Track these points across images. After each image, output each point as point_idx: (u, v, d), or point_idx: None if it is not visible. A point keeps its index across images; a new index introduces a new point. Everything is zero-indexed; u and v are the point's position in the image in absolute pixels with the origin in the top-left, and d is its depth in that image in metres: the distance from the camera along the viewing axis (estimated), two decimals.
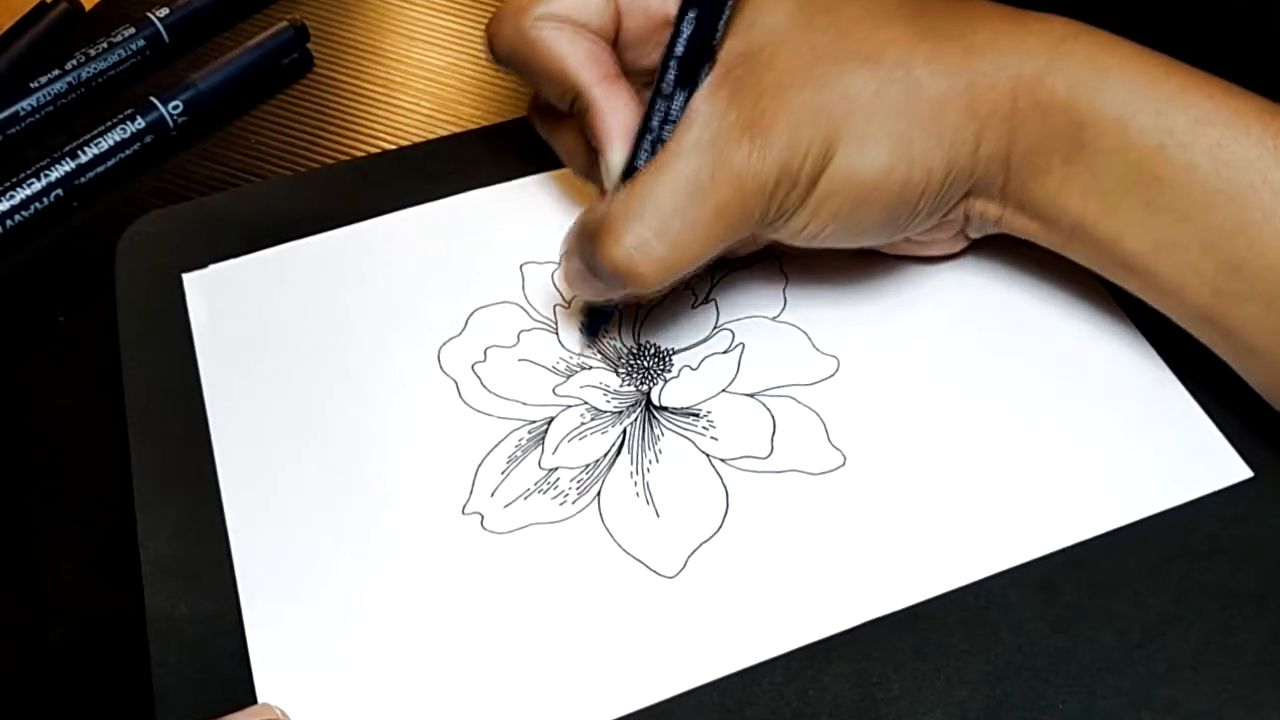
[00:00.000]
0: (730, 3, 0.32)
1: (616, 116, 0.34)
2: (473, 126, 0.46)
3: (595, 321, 0.38)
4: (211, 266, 0.40)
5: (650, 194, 0.32)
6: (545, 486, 0.35)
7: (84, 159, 0.44)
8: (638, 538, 0.34)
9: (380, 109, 0.48)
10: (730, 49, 0.33)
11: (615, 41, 0.35)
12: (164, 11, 0.50)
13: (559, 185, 0.42)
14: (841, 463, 0.35)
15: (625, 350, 0.38)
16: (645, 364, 0.37)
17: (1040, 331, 0.37)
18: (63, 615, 0.34)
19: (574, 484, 0.35)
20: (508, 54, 0.36)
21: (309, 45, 0.50)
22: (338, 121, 0.48)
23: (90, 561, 0.35)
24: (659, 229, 0.32)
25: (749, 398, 0.36)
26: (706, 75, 0.32)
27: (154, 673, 0.31)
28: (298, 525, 0.34)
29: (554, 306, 0.39)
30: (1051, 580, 0.32)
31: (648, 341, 0.38)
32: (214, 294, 0.40)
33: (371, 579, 0.33)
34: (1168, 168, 0.31)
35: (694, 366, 0.37)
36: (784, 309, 0.38)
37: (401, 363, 0.38)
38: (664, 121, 0.33)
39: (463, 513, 0.34)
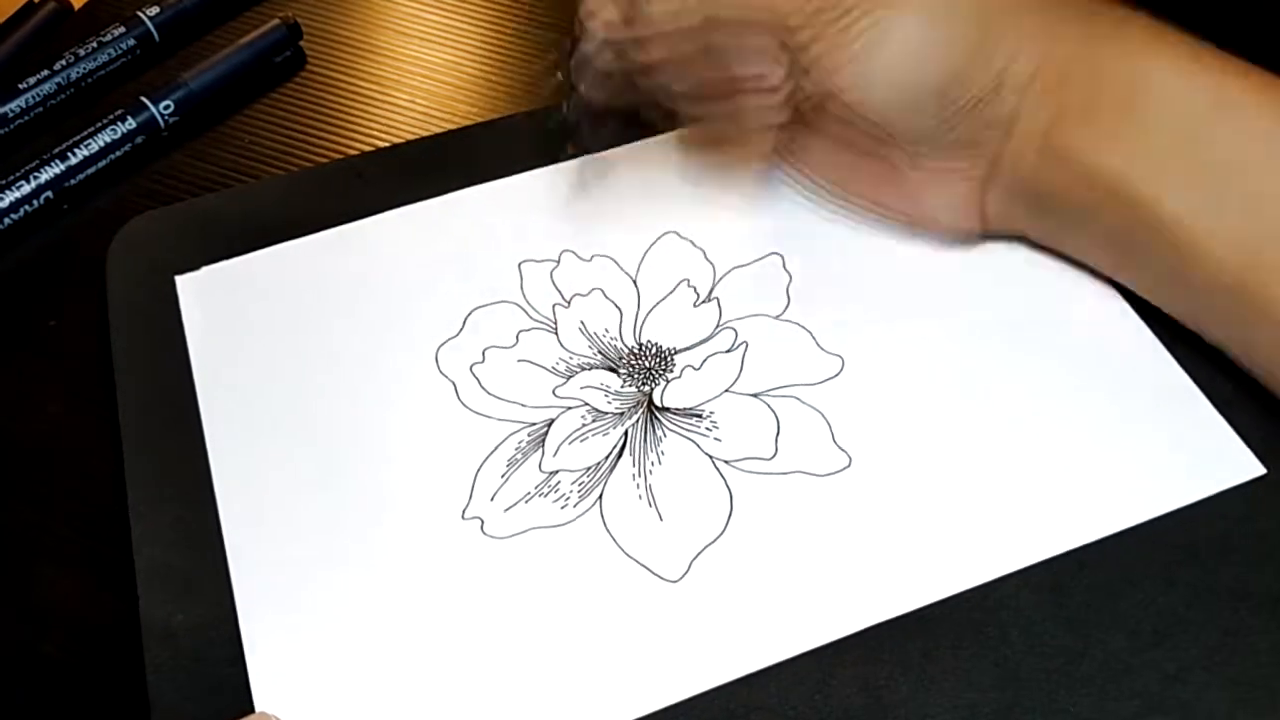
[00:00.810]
0: None
1: None
2: (468, 123, 0.46)
3: (576, 115, 0.38)
4: (205, 268, 0.40)
5: None
6: (546, 490, 0.35)
7: (74, 161, 0.44)
8: (641, 541, 0.34)
9: (375, 106, 0.48)
10: None
11: None
12: (154, 10, 0.50)
13: (557, 181, 0.42)
14: (847, 464, 0.35)
15: (626, 350, 0.38)
16: (646, 364, 0.37)
17: (1049, 329, 0.37)
18: (57, 625, 0.34)
19: (575, 487, 0.35)
20: None
21: (302, 43, 0.50)
22: (332, 120, 0.47)
23: (84, 570, 0.35)
24: None
25: (752, 398, 0.36)
26: None
27: (149, 682, 0.31)
28: (294, 531, 0.34)
29: (553, 306, 0.39)
30: (1061, 582, 0.32)
31: (649, 341, 0.38)
32: (208, 296, 0.40)
33: (370, 585, 0.33)
34: (1221, 128, 0.32)
35: (696, 366, 0.37)
36: (788, 307, 0.38)
37: (398, 364, 0.38)
38: None
39: (462, 517, 0.34)
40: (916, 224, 0.38)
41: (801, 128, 0.37)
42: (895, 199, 0.38)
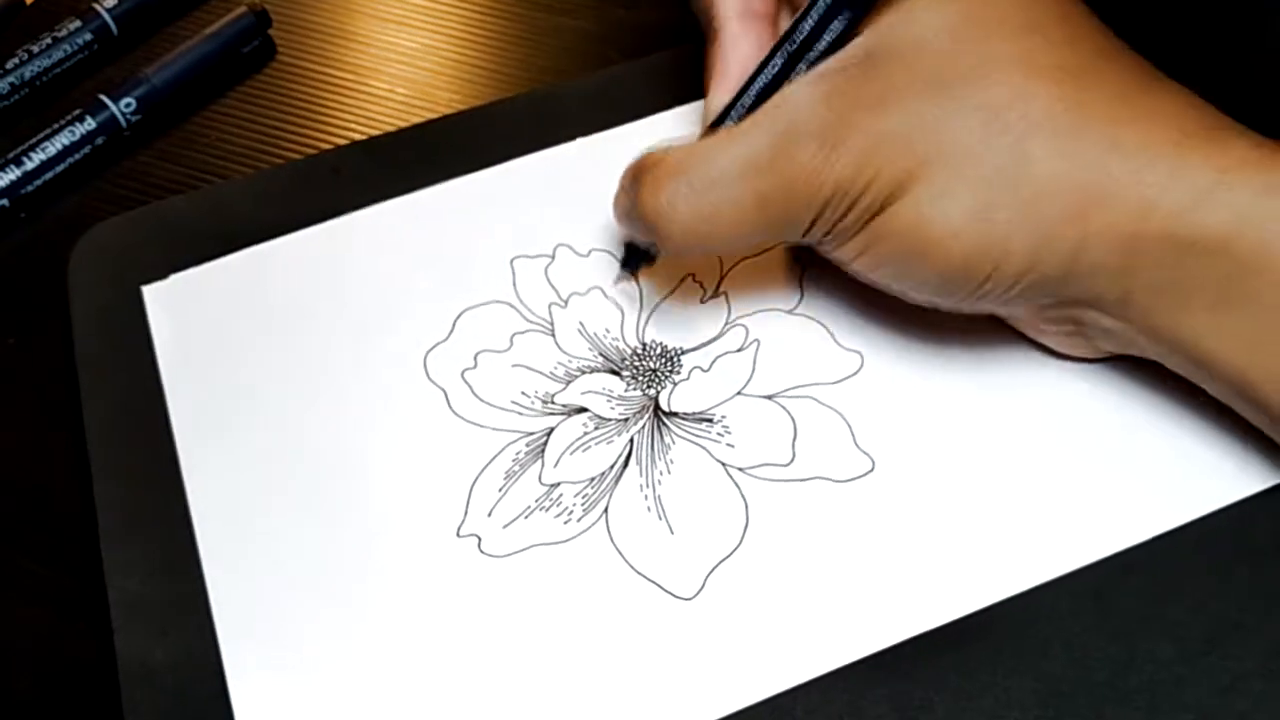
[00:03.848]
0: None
1: (737, 57, 0.35)
2: (451, 111, 0.46)
3: (632, 258, 0.38)
4: (173, 276, 0.40)
5: (706, 156, 0.33)
6: (547, 503, 0.35)
7: (30, 166, 0.44)
8: (651, 557, 0.33)
9: (351, 97, 0.48)
10: (859, 43, 0.32)
11: None
12: (111, 1, 0.50)
13: (549, 168, 0.42)
14: (870, 468, 0.35)
15: (629, 351, 0.38)
16: (651, 366, 0.37)
17: None
18: (28, 663, 0.34)
19: (579, 500, 0.35)
20: None
21: (271, 31, 0.50)
22: (305, 112, 0.47)
23: (55, 604, 0.35)
24: (698, 193, 0.33)
25: (766, 400, 0.36)
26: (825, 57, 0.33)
27: None
28: (278, 556, 0.34)
29: (549, 305, 0.39)
30: (1104, 588, 0.32)
31: (653, 341, 0.38)
32: (177, 307, 0.40)
33: (361, 611, 0.33)
34: None
35: (705, 368, 0.37)
36: (801, 301, 0.38)
37: (384, 372, 0.38)
38: (764, 88, 0.34)
39: (458, 535, 0.34)
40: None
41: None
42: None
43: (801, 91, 0.32)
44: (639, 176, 0.34)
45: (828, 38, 0.33)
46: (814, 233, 0.33)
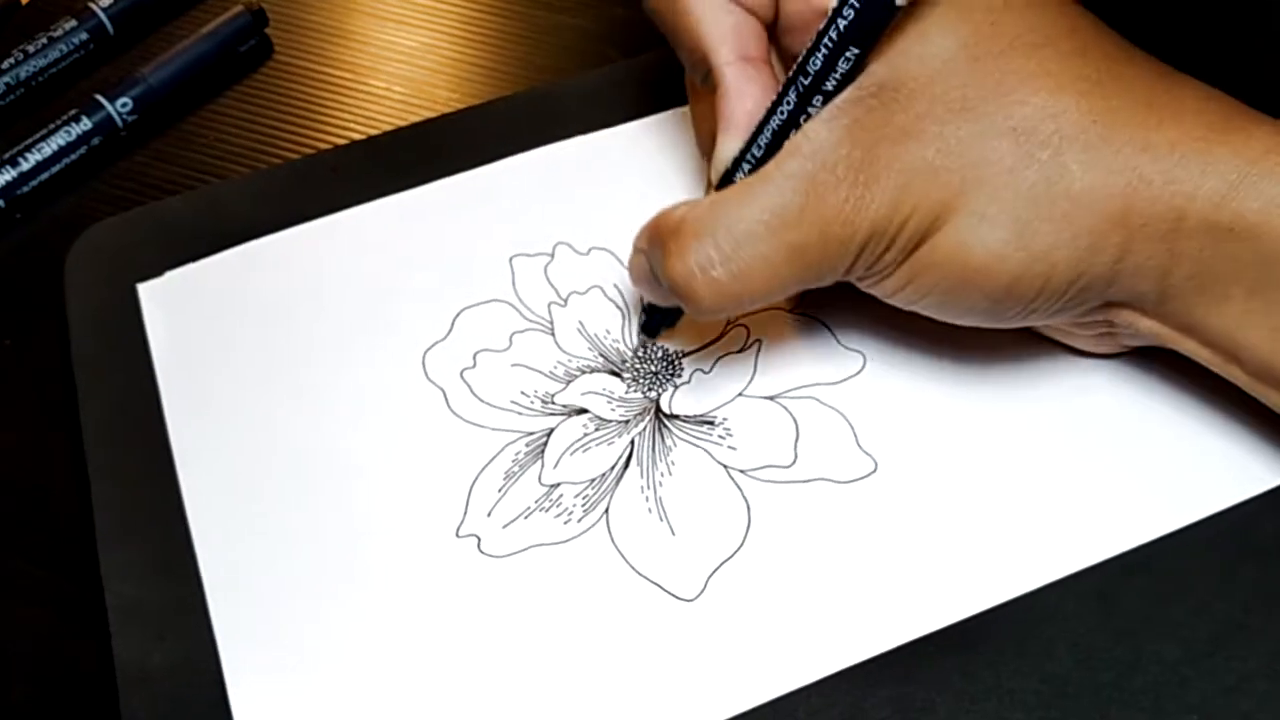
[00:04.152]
0: (890, 18, 0.30)
1: (744, 104, 0.34)
2: (450, 110, 0.46)
3: (655, 320, 0.37)
4: (168, 274, 0.40)
5: (730, 212, 0.32)
6: (547, 504, 0.35)
7: (26, 166, 0.44)
8: (652, 558, 0.33)
9: (349, 96, 0.48)
10: (872, 73, 0.31)
11: (774, 23, 0.35)
12: (107, 1, 0.50)
13: (548, 165, 0.42)
14: (873, 469, 0.35)
15: (630, 353, 0.38)
16: (652, 368, 0.37)
17: None
18: (25, 669, 0.34)
19: (579, 500, 0.35)
20: (653, 7, 0.36)
21: (268, 30, 0.50)
22: (303, 112, 0.47)
23: (52, 608, 0.35)
24: (728, 254, 0.31)
25: (768, 401, 0.36)
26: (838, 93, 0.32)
27: None
28: (276, 558, 0.34)
29: (549, 305, 0.39)
30: (1109, 589, 0.32)
31: (654, 343, 0.38)
32: (173, 304, 0.39)
33: (360, 613, 0.33)
34: None
35: (706, 369, 0.37)
36: (802, 300, 0.38)
37: (382, 371, 0.38)
38: (778, 129, 0.32)
39: (457, 535, 0.34)
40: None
41: None
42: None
43: (821, 130, 0.31)
44: (658, 240, 0.33)
45: (840, 69, 0.31)
46: (853, 273, 0.32)
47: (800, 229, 0.31)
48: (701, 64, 0.35)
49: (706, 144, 0.36)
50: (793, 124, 0.32)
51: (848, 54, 0.31)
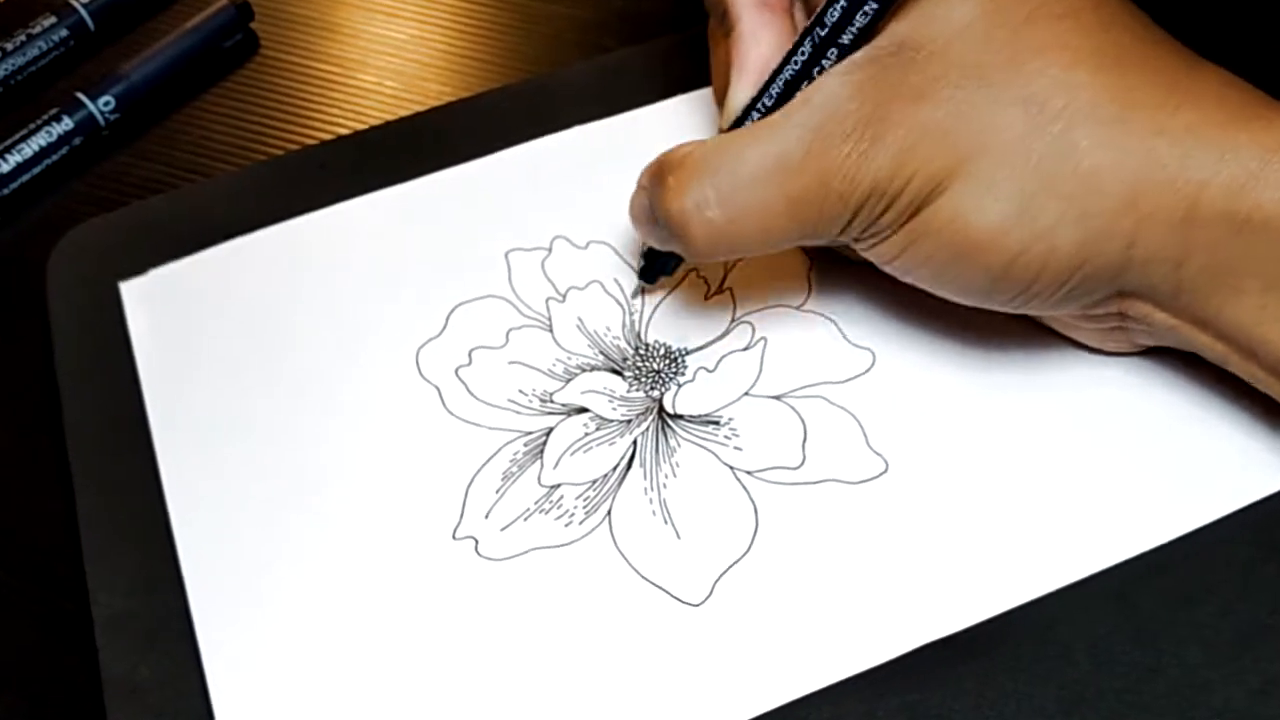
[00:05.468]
0: None
1: (759, 50, 0.34)
2: (441, 103, 0.46)
3: (653, 268, 0.38)
4: (151, 272, 0.40)
5: (733, 154, 0.32)
6: (547, 506, 0.34)
7: (6, 168, 0.44)
8: (657, 562, 0.33)
9: (338, 91, 0.48)
10: (891, 31, 0.32)
11: None
12: None
13: (544, 157, 0.42)
14: (883, 469, 0.34)
15: (631, 350, 0.37)
16: (654, 366, 0.37)
17: None
18: (9, 684, 0.34)
19: (580, 502, 0.34)
20: None
21: (253, 24, 0.50)
22: (291, 108, 0.47)
23: (37, 621, 0.35)
24: (725, 195, 0.32)
25: (775, 400, 0.36)
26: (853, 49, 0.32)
27: None
28: (264, 563, 0.34)
29: (547, 300, 0.39)
30: (1128, 590, 0.32)
31: (656, 341, 0.38)
32: (156, 303, 0.39)
33: (352, 621, 0.33)
34: None
35: (710, 368, 0.37)
36: (809, 297, 0.38)
37: (374, 369, 0.37)
38: (791, 78, 0.33)
39: (454, 538, 0.34)
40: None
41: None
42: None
43: (834, 83, 0.32)
44: (660, 176, 0.33)
45: (858, 22, 0.32)
46: (849, 232, 0.33)
47: (801, 178, 0.32)
48: (719, 5, 0.35)
49: (721, 92, 0.36)
50: (806, 75, 0.32)
51: (866, 8, 0.31)
